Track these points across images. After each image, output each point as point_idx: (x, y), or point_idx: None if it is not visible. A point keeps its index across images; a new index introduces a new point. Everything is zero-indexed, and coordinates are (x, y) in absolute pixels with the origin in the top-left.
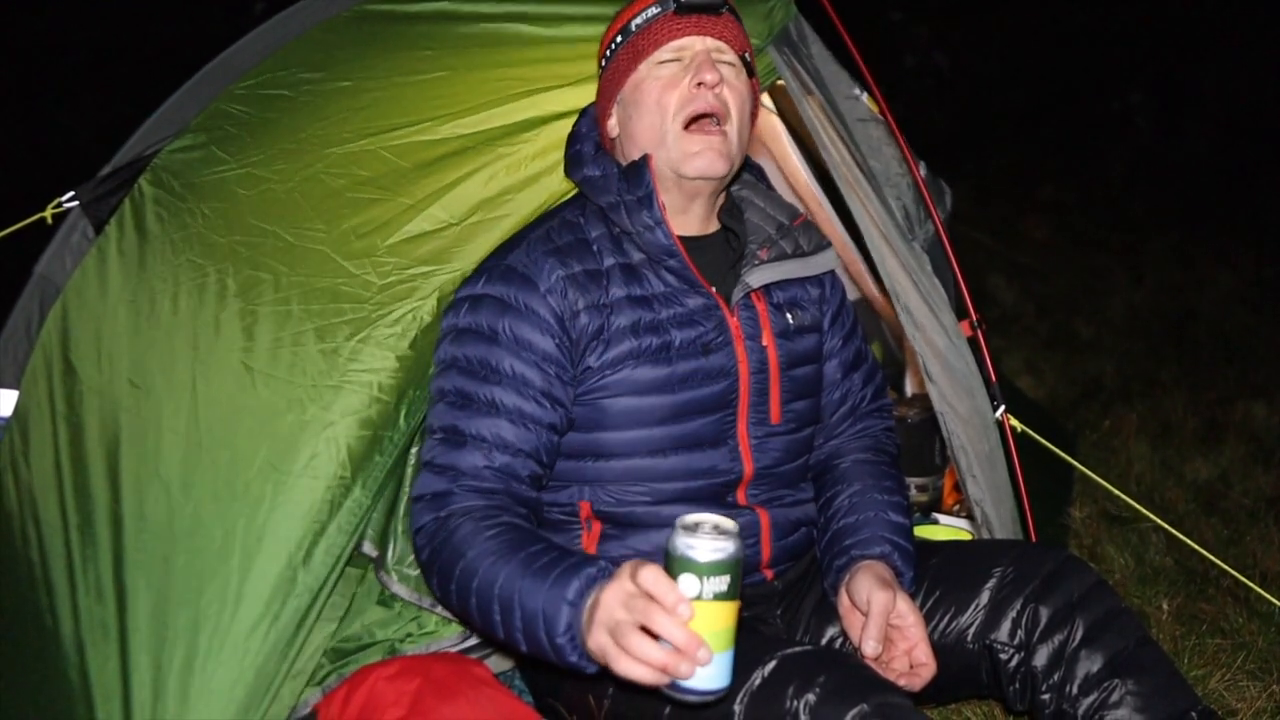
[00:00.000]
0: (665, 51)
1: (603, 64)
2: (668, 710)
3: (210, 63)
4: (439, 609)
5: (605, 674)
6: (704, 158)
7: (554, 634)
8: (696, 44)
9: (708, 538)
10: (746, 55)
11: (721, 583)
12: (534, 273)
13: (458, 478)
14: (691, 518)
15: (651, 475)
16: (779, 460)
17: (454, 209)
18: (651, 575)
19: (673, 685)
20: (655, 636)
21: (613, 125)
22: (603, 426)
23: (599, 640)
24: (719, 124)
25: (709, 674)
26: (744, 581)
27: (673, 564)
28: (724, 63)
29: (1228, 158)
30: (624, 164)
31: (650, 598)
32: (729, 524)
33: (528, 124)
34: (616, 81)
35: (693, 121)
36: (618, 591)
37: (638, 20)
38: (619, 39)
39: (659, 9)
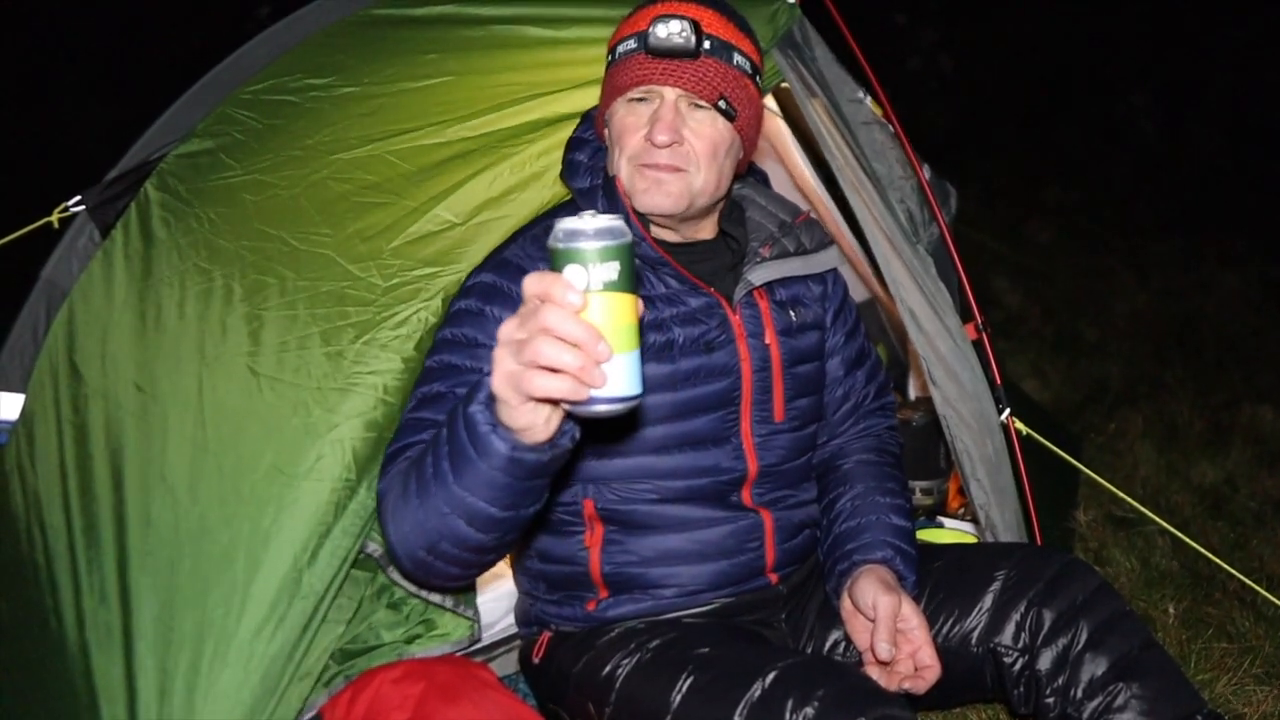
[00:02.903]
0: (636, 91)
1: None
2: (668, 718)
3: (216, 67)
4: (447, 602)
5: (521, 461)
6: (650, 196)
7: (469, 403)
8: (666, 92)
9: (588, 222)
10: (722, 102)
11: (610, 270)
12: (527, 265)
13: (431, 428)
14: (569, 217)
15: (655, 473)
16: (783, 458)
17: (458, 209)
18: (535, 276)
19: (588, 400)
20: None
21: (606, 135)
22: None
23: (504, 371)
24: (676, 168)
25: (616, 379)
26: (749, 586)
27: (557, 260)
28: (697, 106)
29: (1233, 160)
30: (610, 174)
31: (539, 300)
32: (612, 216)
33: (532, 125)
34: (604, 101)
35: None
36: (511, 319)
37: (619, 49)
38: (610, 58)
39: (635, 45)
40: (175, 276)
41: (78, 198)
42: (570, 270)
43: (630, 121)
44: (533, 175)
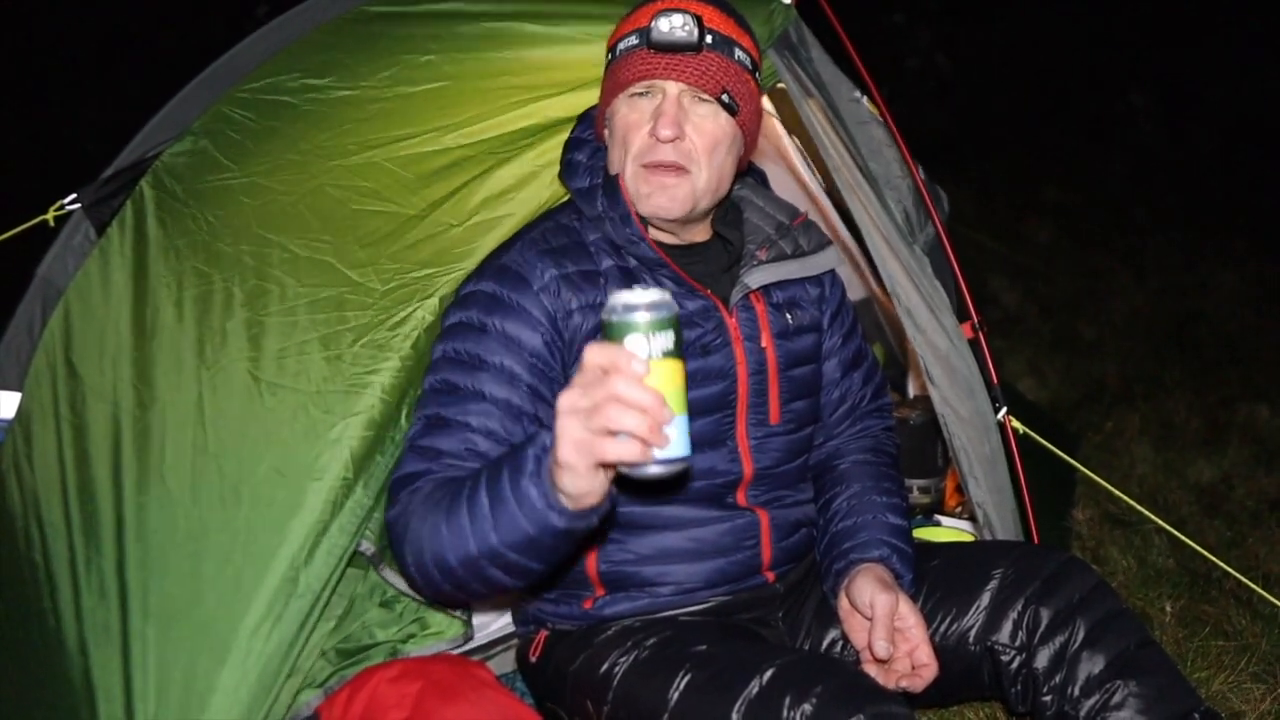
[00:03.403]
0: (638, 86)
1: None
2: (666, 718)
3: (212, 65)
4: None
5: (572, 531)
6: (654, 200)
7: (520, 476)
8: (669, 86)
9: (643, 296)
10: (725, 96)
11: (667, 340)
12: (527, 271)
13: (438, 457)
14: (623, 291)
15: None
16: (779, 460)
17: (456, 213)
18: (598, 348)
19: (648, 461)
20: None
21: (606, 134)
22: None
23: (572, 441)
24: (679, 169)
25: (673, 441)
26: (746, 584)
27: (614, 332)
28: (701, 100)
29: (1230, 158)
30: (611, 173)
31: (603, 370)
32: (661, 290)
33: (530, 130)
34: (604, 99)
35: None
36: (571, 389)
37: (621, 46)
38: (609, 56)
39: (637, 41)
40: (173, 277)
41: (73, 195)
42: (631, 340)
43: (633, 118)
44: (531, 174)
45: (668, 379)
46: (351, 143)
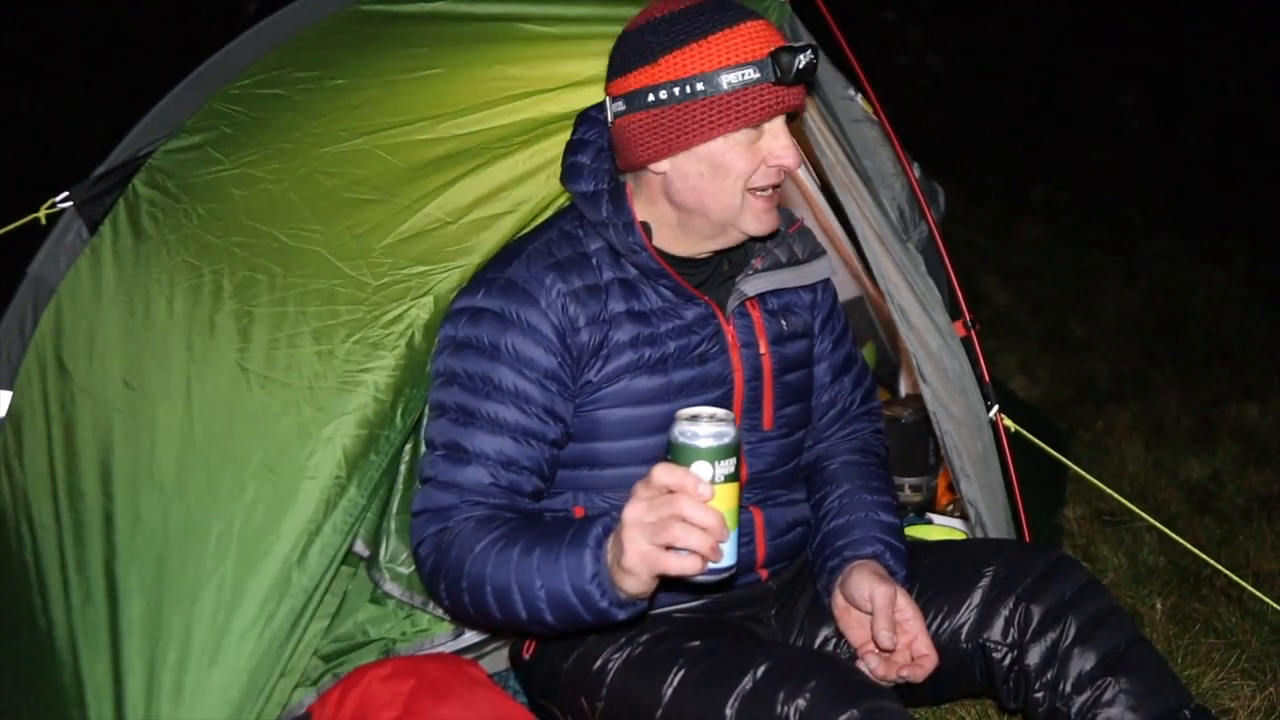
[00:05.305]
0: (768, 120)
1: (660, 96)
2: (660, 713)
3: (204, 63)
4: (430, 607)
5: (631, 623)
6: (766, 220)
7: (581, 582)
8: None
9: (711, 425)
10: (796, 114)
11: (729, 465)
12: (534, 288)
13: (462, 494)
14: (688, 411)
15: None
16: (771, 465)
17: (450, 208)
18: (667, 469)
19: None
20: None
21: (664, 165)
22: (598, 437)
23: (638, 551)
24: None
25: (725, 554)
26: (739, 582)
27: (682, 455)
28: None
29: (1220, 158)
30: (714, 218)
31: (671, 491)
32: (724, 411)
33: (526, 125)
34: (690, 133)
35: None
36: (637, 502)
37: (731, 78)
38: (700, 86)
39: (758, 74)
40: (164, 273)
41: (65, 194)
42: (698, 466)
43: (743, 148)
44: (527, 173)
45: (726, 500)
46: (342, 129)
